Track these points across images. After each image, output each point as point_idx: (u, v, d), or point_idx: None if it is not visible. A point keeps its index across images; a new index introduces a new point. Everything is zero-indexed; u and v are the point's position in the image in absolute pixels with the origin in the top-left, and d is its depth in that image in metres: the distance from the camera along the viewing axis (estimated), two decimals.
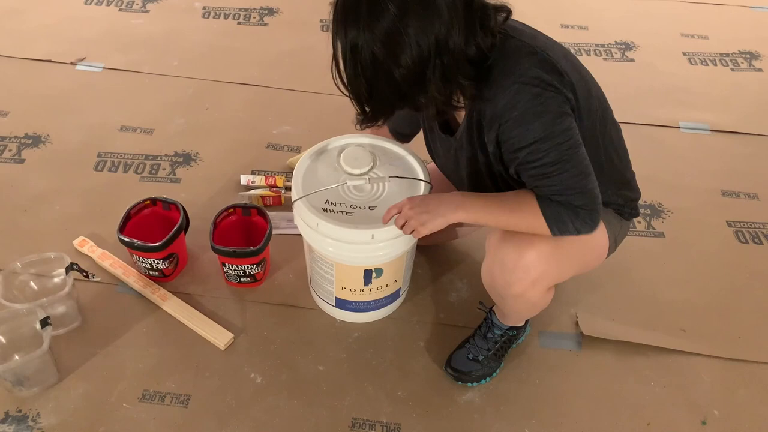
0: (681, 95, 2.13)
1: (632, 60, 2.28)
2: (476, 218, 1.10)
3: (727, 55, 2.33)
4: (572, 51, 2.26)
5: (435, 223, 1.11)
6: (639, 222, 1.69)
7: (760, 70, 2.27)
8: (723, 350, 1.42)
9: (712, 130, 2.00)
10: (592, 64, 2.23)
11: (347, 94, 1.04)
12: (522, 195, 1.09)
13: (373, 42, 0.95)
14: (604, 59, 2.28)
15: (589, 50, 2.32)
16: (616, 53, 2.31)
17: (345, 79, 1.02)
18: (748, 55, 2.33)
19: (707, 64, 2.28)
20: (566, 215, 1.05)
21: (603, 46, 2.34)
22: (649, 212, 1.72)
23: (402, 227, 1.16)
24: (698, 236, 1.68)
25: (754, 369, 1.39)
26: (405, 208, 1.14)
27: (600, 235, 1.17)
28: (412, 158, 1.33)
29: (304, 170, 1.30)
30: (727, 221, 1.72)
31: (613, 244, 1.24)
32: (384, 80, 0.98)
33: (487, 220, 1.11)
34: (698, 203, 1.77)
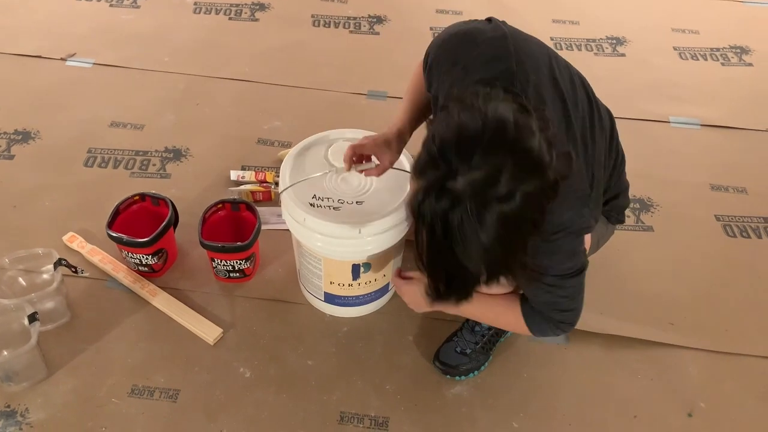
0: (671, 90, 2.14)
1: (623, 55, 2.29)
2: (460, 313, 1.23)
3: (718, 49, 2.33)
4: (563, 46, 2.29)
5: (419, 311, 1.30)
6: (628, 216, 1.69)
7: (750, 64, 2.28)
8: (710, 343, 1.43)
9: (702, 125, 2.01)
10: (583, 58, 2.25)
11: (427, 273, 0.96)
12: (506, 302, 1.16)
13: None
14: (595, 54, 2.29)
15: (580, 45, 2.32)
16: (607, 48, 2.32)
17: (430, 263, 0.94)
18: (738, 50, 2.34)
19: (698, 59, 2.29)
20: (548, 328, 1.13)
21: (594, 40, 2.34)
22: (638, 206, 1.73)
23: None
24: (687, 230, 1.68)
25: (740, 361, 1.40)
26: (406, 294, 1.26)
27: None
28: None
29: (292, 164, 1.30)
30: (715, 215, 1.72)
31: (595, 246, 1.25)
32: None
33: (470, 316, 1.25)
34: (687, 197, 1.77)
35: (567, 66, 1.11)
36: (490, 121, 0.81)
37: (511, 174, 0.79)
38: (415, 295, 1.22)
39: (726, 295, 1.53)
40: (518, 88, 0.96)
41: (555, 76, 1.03)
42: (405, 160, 1.32)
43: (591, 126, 1.07)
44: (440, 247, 0.84)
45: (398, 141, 1.19)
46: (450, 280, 0.91)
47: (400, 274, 1.28)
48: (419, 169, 0.85)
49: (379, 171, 1.20)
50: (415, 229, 0.87)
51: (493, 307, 1.18)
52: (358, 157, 1.19)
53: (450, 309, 1.20)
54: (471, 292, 0.94)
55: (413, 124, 1.24)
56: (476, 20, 1.10)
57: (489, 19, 1.09)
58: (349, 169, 1.18)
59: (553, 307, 1.10)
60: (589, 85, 1.14)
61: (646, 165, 1.83)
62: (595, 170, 1.06)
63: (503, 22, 1.07)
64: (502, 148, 0.80)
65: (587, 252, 1.25)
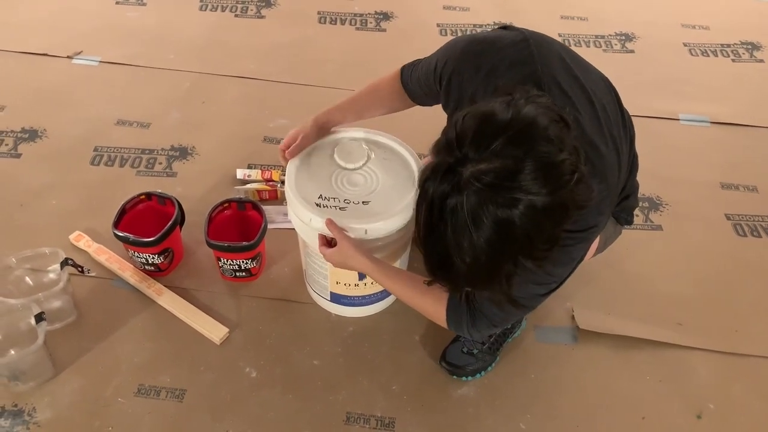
0: (681, 87, 2.11)
1: (632, 51, 2.27)
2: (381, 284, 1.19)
3: (728, 45, 2.31)
4: (571, 43, 2.27)
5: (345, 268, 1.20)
6: (637, 215, 1.68)
7: (761, 61, 2.25)
8: (719, 344, 1.41)
9: (711, 122, 1.99)
10: (591, 55, 2.20)
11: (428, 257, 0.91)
12: (432, 287, 1.06)
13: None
14: (604, 51, 2.26)
15: (589, 42, 2.30)
16: (615, 44, 2.29)
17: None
18: (749, 46, 2.31)
19: (708, 55, 2.26)
20: (466, 327, 1.08)
21: (603, 37, 2.32)
22: (647, 205, 1.71)
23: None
24: (696, 229, 1.67)
25: (750, 363, 1.39)
26: (328, 256, 1.18)
27: None
28: (406, 152, 1.33)
29: (298, 163, 1.30)
30: (725, 214, 1.71)
31: (602, 246, 1.24)
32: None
33: (383, 284, 1.19)
34: (697, 196, 1.75)
35: (590, 69, 1.08)
36: (521, 118, 0.77)
37: (522, 178, 0.74)
38: (337, 257, 1.17)
39: (736, 296, 1.52)
40: (546, 92, 0.93)
41: (580, 78, 1.00)
42: (411, 159, 1.31)
43: (618, 131, 1.03)
44: (434, 228, 0.80)
45: (313, 122, 1.28)
46: (438, 264, 0.85)
47: (327, 243, 1.21)
48: (435, 149, 0.82)
49: (292, 151, 1.28)
50: (417, 202, 0.83)
51: (418, 285, 1.12)
52: (292, 141, 1.28)
53: (368, 273, 1.17)
54: (456, 285, 0.90)
55: (336, 113, 1.30)
56: (492, 30, 1.08)
57: (505, 26, 1.08)
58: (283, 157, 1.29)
59: (494, 316, 1.05)
60: (614, 88, 1.11)
61: (655, 163, 1.81)
62: (622, 176, 1.04)
63: (522, 28, 1.05)
64: (522, 148, 0.75)
65: (594, 253, 1.25)
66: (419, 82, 1.18)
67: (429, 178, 0.80)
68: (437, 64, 1.10)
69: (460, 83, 1.04)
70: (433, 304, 1.12)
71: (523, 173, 0.74)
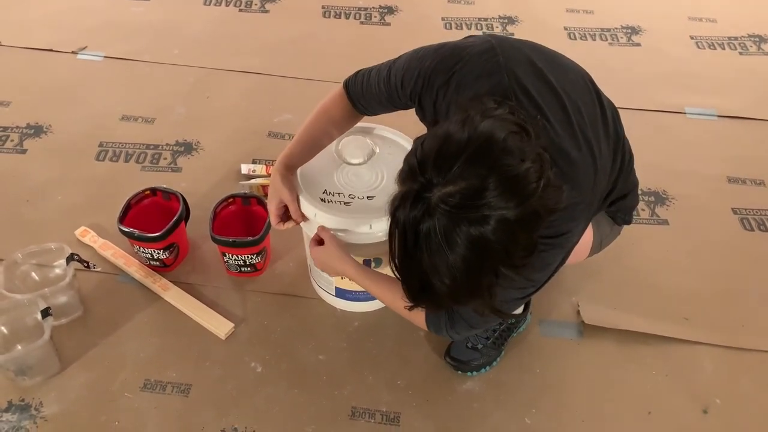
0: (688, 80, 2.10)
1: (639, 44, 2.25)
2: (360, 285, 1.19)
3: (736, 38, 2.29)
4: (577, 36, 2.26)
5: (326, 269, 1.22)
6: (643, 210, 1.67)
7: None
8: (726, 339, 1.41)
9: (718, 116, 1.97)
10: (597, 49, 2.22)
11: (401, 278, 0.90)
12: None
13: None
14: (610, 44, 2.25)
15: (595, 35, 2.28)
16: (622, 38, 2.28)
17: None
18: (757, 39, 2.29)
19: (715, 48, 2.25)
20: (444, 323, 1.09)
21: (609, 30, 2.30)
22: (653, 199, 1.70)
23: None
24: (703, 223, 1.66)
25: (757, 358, 1.38)
26: (314, 254, 1.20)
27: (585, 235, 1.12)
28: (411, 146, 1.32)
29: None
30: (732, 208, 1.70)
31: (597, 246, 1.22)
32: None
33: (367, 289, 1.19)
34: (703, 190, 1.74)
35: (567, 67, 1.05)
36: (477, 135, 0.77)
37: (489, 195, 0.74)
38: (322, 256, 1.18)
39: (743, 290, 1.51)
40: (513, 101, 0.92)
41: (552, 82, 0.98)
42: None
43: (596, 131, 1.01)
44: (410, 254, 0.80)
45: (282, 181, 1.19)
46: (419, 288, 0.85)
47: (320, 242, 1.21)
48: (400, 178, 0.82)
49: (295, 214, 1.21)
50: (390, 231, 0.83)
51: (395, 286, 1.08)
52: (281, 211, 1.22)
53: (351, 276, 1.17)
54: (440, 305, 0.90)
55: (296, 159, 1.22)
56: (457, 40, 1.06)
57: (469, 37, 1.06)
58: (284, 226, 1.24)
59: (472, 321, 1.06)
60: (594, 84, 1.08)
61: (661, 157, 1.81)
62: (600, 178, 1.01)
63: (489, 34, 1.03)
64: (483, 165, 0.75)
65: (589, 254, 1.23)
66: (375, 96, 1.14)
67: (399, 207, 0.80)
68: (404, 78, 1.07)
69: (434, 101, 1.03)
70: (413, 311, 1.09)
71: (489, 190, 0.74)
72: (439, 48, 1.04)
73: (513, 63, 0.97)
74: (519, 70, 0.97)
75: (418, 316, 1.11)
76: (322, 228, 1.19)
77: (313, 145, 1.23)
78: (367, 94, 1.15)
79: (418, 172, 0.78)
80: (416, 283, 0.84)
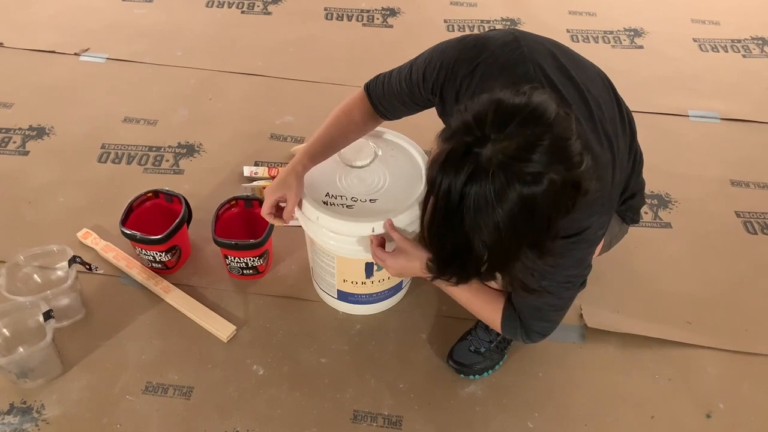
0: (690, 83, 2.09)
1: (641, 47, 2.25)
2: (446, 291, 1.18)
3: (739, 41, 2.28)
4: (580, 38, 2.25)
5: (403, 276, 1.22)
6: (646, 213, 1.67)
7: None
8: (729, 343, 1.40)
9: (721, 119, 1.97)
10: (600, 51, 2.21)
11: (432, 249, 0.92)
12: (492, 296, 1.14)
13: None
14: (613, 46, 2.25)
15: (597, 37, 2.28)
16: (624, 40, 2.27)
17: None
18: (760, 41, 2.28)
19: (718, 51, 2.24)
20: (519, 333, 1.11)
21: (611, 32, 2.30)
22: (656, 202, 1.70)
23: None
24: (706, 227, 1.65)
25: (760, 362, 1.38)
26: (387, 262, 1.15)
27: None
28: (414, 149, 1.32)
29: None
30: (735, 211, 1.69)
31: (607, 246, 1.23)
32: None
33: (454, 296, 1.18)
34: (706, 193, 1.74)
35: (585, 65, 1.07)
36: (531, 102, 0.79)
37: (545, 154, 0.76)
38: (406, 265, 1.13)
39: (746, 294, 1.50)
40: None
41: (574, 77, 0.99)
42: (418, 156, 1.30)
43: (614, 128, 1.02)
44: (450, 216, 0.80)
45: (296, 177, 1.17)
46: (453, 255, 0.86)
47: (382, 243, 1.19)
48: (447, 134, 0.81)
49: (287, 214, 1.18)
50: (426, 195, 0.83)
51: (480, 295, 1.14)
52: (275, 206, 1.19)
53: (441, 284, 1.13)
54: (470, 274, 0.90)
55: (316, 158, 1.20)
56: (479, 33, 1.06)
57: (490, 30, 1.06)
58: (273, 219, 1.20)
59: (536, 315, 1.08)
60: (611, 83, 1.10)
61: (664, 160, 1.80)
62: (617, 174, 1.03)
63: (511, 28, 1.05)
64: (538, 125, 0.77)
65: (598, 253, 1.23)
66: (397, 95, 1.15)
67: (445, 163, 0.79)
68: (426, 71, 1.07)
69: (457, 92, 1.03)
70: (492, 313, 1.13)
71: (542, 146, 0.76)
72: (462, 39, 1.05)
73: (537, 55, 0.98)
74: (544, 63, 0.98)
75: (495, 323, 1.13)
76: (390, 226, 1.14)
77: (331, 145, 1.22)
78: (389, 94, 1.16)
79: (475, 126, 0.78)
80: (449, 249, 0.85)
